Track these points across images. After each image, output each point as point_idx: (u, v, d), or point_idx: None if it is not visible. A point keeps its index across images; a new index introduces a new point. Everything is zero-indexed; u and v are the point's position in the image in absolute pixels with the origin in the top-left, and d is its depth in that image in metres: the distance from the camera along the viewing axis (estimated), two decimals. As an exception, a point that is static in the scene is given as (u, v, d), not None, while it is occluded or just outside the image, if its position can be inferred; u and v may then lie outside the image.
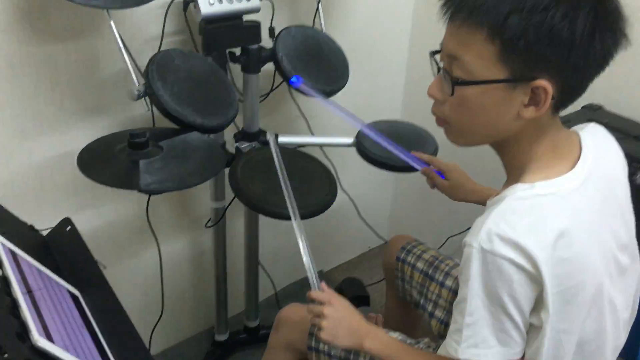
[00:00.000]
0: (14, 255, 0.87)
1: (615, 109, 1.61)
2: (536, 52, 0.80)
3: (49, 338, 0.74)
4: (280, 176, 1.17)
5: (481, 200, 1.33)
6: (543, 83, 0.82)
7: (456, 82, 0.86)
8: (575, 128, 0.99)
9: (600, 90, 1.65)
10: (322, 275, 2.31)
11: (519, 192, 0.86)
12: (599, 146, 0.95)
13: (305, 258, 1.12)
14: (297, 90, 1.47)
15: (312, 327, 1.24)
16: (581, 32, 0.79)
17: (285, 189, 1.17)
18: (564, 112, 1.58)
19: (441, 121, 0.95)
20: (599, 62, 0.83)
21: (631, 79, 1.58)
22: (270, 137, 1.23)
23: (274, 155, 1.19)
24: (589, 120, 1.55)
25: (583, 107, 1.64)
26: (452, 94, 0.88)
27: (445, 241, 2.02)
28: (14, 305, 0.75)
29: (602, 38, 0.81)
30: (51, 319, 0.80)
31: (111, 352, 0.87)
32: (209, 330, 1.97)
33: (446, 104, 0.91)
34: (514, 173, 0.93)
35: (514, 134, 0.90)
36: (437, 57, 0.93)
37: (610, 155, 0.99)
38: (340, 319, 1.06)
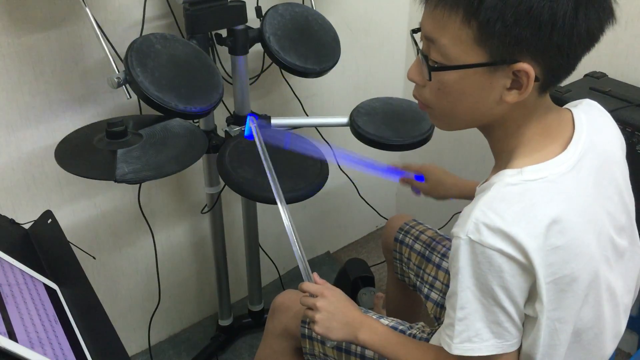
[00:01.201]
0: (-19, 251, 0.86)
1: (619, 77, 1.55)
2: (515, 34, 0.75)
3: (11, 335, 0.73)
4: (265, 164, 1.14)
5: (464, 194, 1.31)
6: (524, 66, 0.77)
7: (433, 68, 0.82)
8: (569, 105, 0.93)
9: (604, 57, 1.61)
10: (329, 256, 2.29)
11: (507, 179, 0.82)
12: (593, 124, 0.89)
13: (295, 248, 1.08)
14: (286, 66, 1.44)
15: (305, 329, 1.23)
16: (563, 11, 0.73)
17: (270, 178, 1.13)
18: (566, 82, 1.54)
19: (423, 105, 0.91)
20: (585, 41, 0.77)
21: (635, 45, 1.52)
22: (251, 123, 1.19)
23: (257, 141, 1.15)
24: (591, 88, 1.50)
25: (586, 75, 1.58)
26: (430, 79, 0.84)
27: (452, 218, 1.98)
28: (-24, 303, 0.74)
29: (586, 16, 0.75)
30: (18, 315, 0.79)
31: (86, 346, 0.86)
32: (214, 316, 1.96)
33: (426, 88, 0.87)
34: (502, 158, 0.89)
35: (499, 117, 0.85)
36: (418, 36, 0.88)
37: (606, 133, 0.93)
38: (333, 311, 1.03)
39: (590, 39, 0.78)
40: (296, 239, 1.08)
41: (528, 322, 0.85)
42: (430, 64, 0.82)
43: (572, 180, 0.82)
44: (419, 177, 1.35)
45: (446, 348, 0.86)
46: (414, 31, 0.89)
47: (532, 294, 0.82)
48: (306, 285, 1.07)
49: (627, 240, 0.93)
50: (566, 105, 0.93)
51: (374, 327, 1.04)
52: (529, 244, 0.77)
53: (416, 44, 0.88)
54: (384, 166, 1.39)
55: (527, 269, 0.78)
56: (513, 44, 0.76)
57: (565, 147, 0.84)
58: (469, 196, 1.28)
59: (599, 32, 0.78)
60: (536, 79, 0.78)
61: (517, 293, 0.80)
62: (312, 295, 1.06)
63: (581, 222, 0.82)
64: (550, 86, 0.83)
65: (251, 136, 1.22)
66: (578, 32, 0.75)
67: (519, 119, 0.85)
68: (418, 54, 0.86)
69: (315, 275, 1.09)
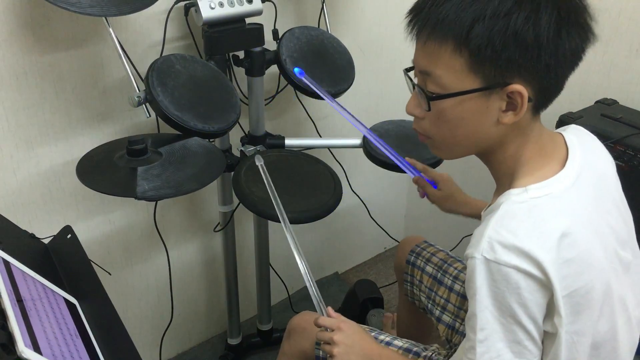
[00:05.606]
0: (6, 264, 0.88)
1: (629, 104, 1.57)
2: (505, 57, 0.80)
3: (36, 348, 0.74)
4: (272, 198, 1.17)
5: (471, 213, 1.32)
6: (517, 87, 0.81)
7: (431, 98, 0.86)
8: (557, 130, 0.98)
9: (615, 84, 1.63)
10: (338, 277, 2.30)
11: (514, 197, 0.85)
12: (584, 144, 0.93)
13: (308, 284, 1.09)
14: (300, 87, 1.47)
15: (320, 351, 1.22)
16: (546, 33, 0.79)
17: (280, 215, 1.16)
18: (577, 108, 1.56)
19: (424, 137, 0.95)
20: (570, 59, 0.83)
21: (646, 72, 1.54)
22: (258, 162, 1.24)
23: (264, 178, 1.20)
24: (603, 115, 1.52)
25: (597, 102, 1.60)
26: (429, 109, 0.88)
27: (461, 241, 1.99)
28: (2, 315, 0.76)
29: (569, 35, 0.80)
30: (41, 328, 0.80)
31: (105, 361, 0.87)
32: (223, 334, 1.97)
33: (426, 119, 0.91)
34: (504, 180, 0.92)
35: (497, 140, 0.89)
36: (412, 74, 0.93)
37: (597, 153, 0.98)
38: (351, 344, 1.04)
39: (573, 57, 0.83)
40: (310, 278, 1.09)
41: (547, 338, 0.86)
42: (427, 94, 0.86)
43: (575, 195, 0.85)
44: (433, 183, 1.37)
45: None
46: (408, 70, 0.94)
47: (550, 310, 0.83)
48: (322, 319, 1.08)
49: (630, 253, 0.95)
50: (555, 130, 0.98)
51: (392, 358, 1.05)
52: (543, 257, 0.79)
53: (411, 80, 0.93)
54: (403, 159, 1.40)
55: (544, 283, 0.80)
56: (504, 68, 0.80)
57: (562, 166, 0.88)
58: (476, 216, 1.30)
59: (581, 50, 0.83)
60: (529, 100, 0.82)
61: (536, 309, 0.82)
62: (328, 329, 1.06)
63: (588, 235, 0.85)
64: (542, 107, 0.88)
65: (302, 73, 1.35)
66: (563, 50, 0.81)
67: (516, 141, 0.89)
68: (414, 89, 0.91)
69: (330, 309, 1.10)
